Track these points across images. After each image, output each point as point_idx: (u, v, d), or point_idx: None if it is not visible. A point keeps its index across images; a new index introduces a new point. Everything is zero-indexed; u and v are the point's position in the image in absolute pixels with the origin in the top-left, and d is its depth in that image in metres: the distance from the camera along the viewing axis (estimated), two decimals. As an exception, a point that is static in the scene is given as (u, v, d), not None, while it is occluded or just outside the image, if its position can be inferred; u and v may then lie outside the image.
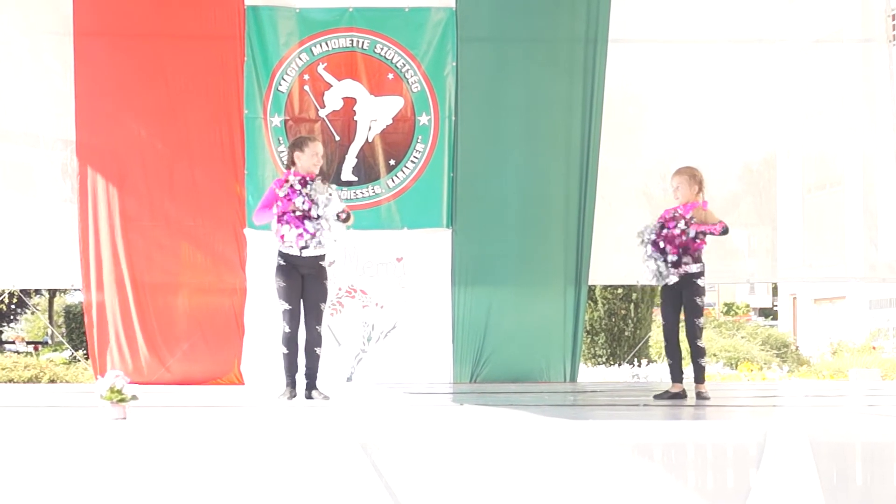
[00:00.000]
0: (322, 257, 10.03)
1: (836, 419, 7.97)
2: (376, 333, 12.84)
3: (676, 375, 10.29)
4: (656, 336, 19.94)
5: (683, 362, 10.35)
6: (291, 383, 10.00)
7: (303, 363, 10.01)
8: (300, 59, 12.92)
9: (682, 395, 10.11)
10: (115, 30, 12.72)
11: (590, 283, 13.34)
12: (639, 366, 16.95)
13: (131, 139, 12.70)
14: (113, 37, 12.72)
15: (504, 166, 13.00)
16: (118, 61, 12.72)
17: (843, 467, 7.11)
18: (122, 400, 7.64)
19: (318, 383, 10.02)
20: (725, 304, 45.97)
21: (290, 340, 9.97)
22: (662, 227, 10.00)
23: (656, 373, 15.68)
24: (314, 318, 10.02)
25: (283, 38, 12.91)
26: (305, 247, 9.81)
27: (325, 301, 10.16)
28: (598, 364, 18.50)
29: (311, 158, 9.92)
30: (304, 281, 10.00)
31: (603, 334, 18.75)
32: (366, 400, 10.36)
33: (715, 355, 20.36)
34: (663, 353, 17.04)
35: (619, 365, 18.05)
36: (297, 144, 10.06)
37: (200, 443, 7.11)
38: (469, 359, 12.96)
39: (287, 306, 9.93)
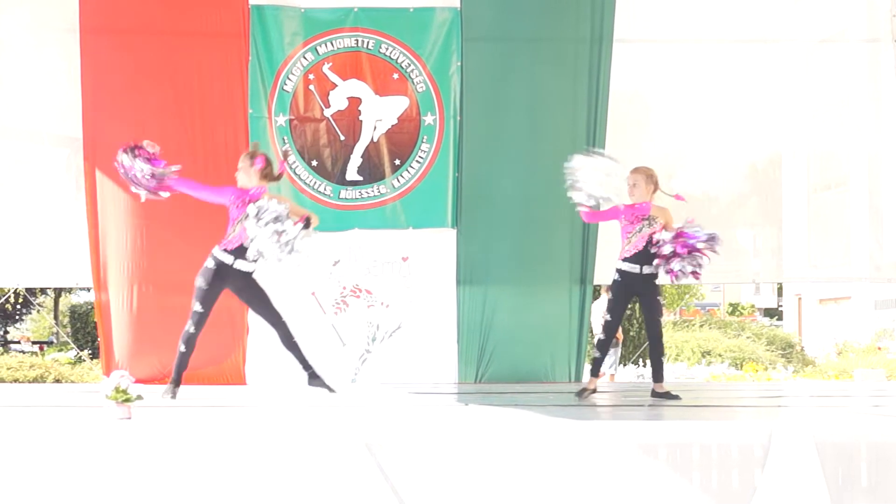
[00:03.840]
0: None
1: (841, 419, 7.96)
2: (381, 333, 12.83)
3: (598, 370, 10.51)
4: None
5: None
6: (176, 381, 10.18)
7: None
8: (305, 58, 12.92)
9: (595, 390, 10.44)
10: (121, 27, 12.70)
11: (595, 282, 13.34)
12: (644, 366, 16.95)
13: (136, 137, 12.61)
14: (119, 34, 12.71)
15: (509, 166, 12.99)
16: (124, 58, 12.70)
17: (849, 468, 7.10)
18: (126, 400, 7.65)
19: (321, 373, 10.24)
20: (730, 305, 46.01)
21: (190, 340, 10.16)
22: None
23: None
24: (274, 316, 10.33)
25: (287, 37, 12.92)
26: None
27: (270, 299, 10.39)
28: (604, 364, 18.48)
29: (241, 172, 10.24)
30: (240, 294, 10.37)
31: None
32: (370, 400, 10.37)
33: (720, 355, 20.38)
34: (667, 352, 17.08)
35: (625, 365, 18.05)
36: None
37: (205, 443, 7.11)
38: (473, 359, 12.96)
39: (200, 309, 10.12)
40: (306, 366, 10.33)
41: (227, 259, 10.12)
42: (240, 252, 10.07)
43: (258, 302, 10.40)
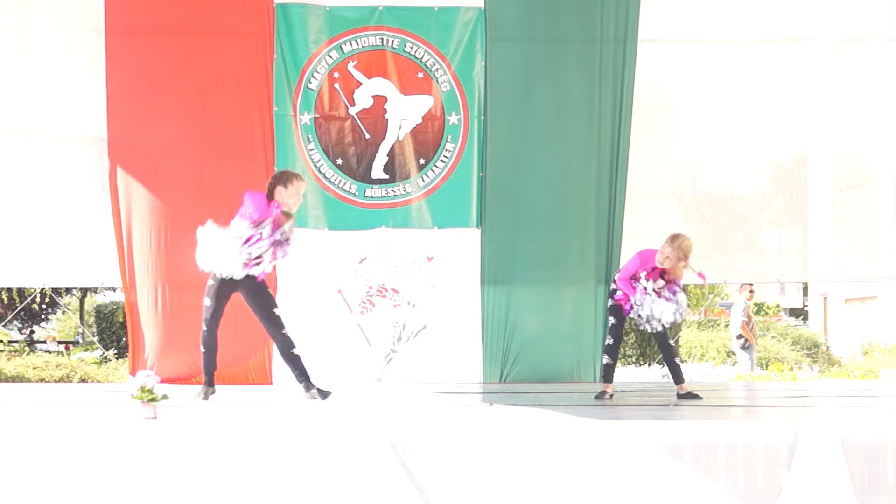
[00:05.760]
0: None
1: (867, 419, 7.93)
2: (407, 333, 12.84)
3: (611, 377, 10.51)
4: (686, 336, 19.91)
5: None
6: (208, 382, 10.07)
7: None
8: (330, 56, 12.94)
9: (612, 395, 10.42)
10: (146, 27, 12.76)
11: (619, 282, 13.32)
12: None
13: (162, 136, 12.72)
14: (144, 34, 12.76)
15: (533, 166, 12.98)
16: (149, 58, 12.75)
17: (875, 468, 7.08)
18: (152, 399, 7.67)
19: (317, 381, 10.08)
20: (756, 304, 45.85)
21: (206, 340, 10.00)
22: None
23: (686, 372, 15.64)
24: (277, 326, 10.01)
25: (312, 35, 12.94)
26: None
27: (276, 307, 10.10)
28: (628, 364, 18.45)
29: (293, 197, 9.89)
30: (245, 296, 10.04)
31: (633, 334, 18.68)
32: (395, 400, 10.37)
33: (746, 355, 20.25)
34: (693, 352, 17.07)
35: (649, 365, 18.01)
36: (282, 180, 9.94)
37: (231, 442, 7.12)
38: (498, 358, 12.95)
39: (208, 303, 9.95)
40: (301, 377, 10.00)
41: None
42: None
43: (259, 307, 10.03)
